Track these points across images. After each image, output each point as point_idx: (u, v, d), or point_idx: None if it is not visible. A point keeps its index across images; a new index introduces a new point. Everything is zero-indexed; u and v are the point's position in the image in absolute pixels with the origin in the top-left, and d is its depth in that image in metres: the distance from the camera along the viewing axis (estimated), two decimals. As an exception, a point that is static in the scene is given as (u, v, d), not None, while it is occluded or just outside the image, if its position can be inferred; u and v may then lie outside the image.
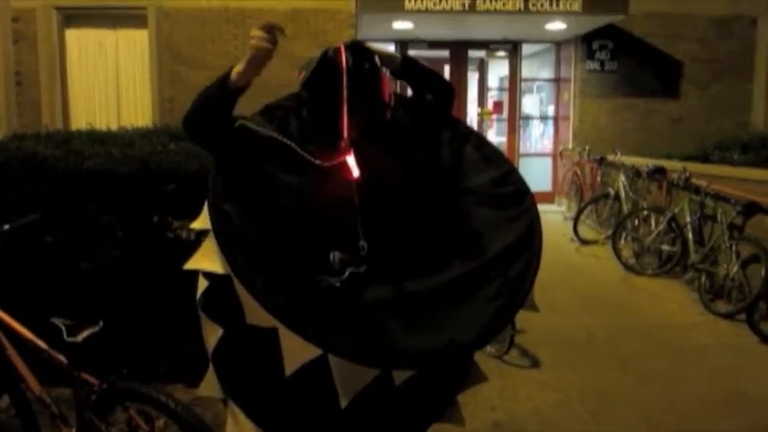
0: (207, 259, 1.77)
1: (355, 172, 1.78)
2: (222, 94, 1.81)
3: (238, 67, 1.80)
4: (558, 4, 8.74)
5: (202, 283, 1.89)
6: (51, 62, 9.56)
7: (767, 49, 10.25)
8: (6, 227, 2.46)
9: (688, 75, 10.31)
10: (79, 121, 8.90)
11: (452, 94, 2.16)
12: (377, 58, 1.88)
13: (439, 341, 1.69)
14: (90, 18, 9.68)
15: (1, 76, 9.48)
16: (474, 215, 1.97)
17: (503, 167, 2.07)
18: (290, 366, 1.66)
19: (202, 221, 1.81)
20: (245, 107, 1.94)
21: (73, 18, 9.70)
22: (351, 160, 1.78)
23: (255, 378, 1.87)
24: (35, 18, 9.44)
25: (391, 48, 10.48)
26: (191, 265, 1.82)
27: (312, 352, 1.60)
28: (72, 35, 9.77)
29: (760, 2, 10.19)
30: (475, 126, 11.52)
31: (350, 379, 1.64)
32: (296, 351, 1.62)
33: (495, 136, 11.84)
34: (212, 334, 1.90)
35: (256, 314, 1.64)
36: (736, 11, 10.19)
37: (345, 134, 1.77)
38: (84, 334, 2.16)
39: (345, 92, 1.76)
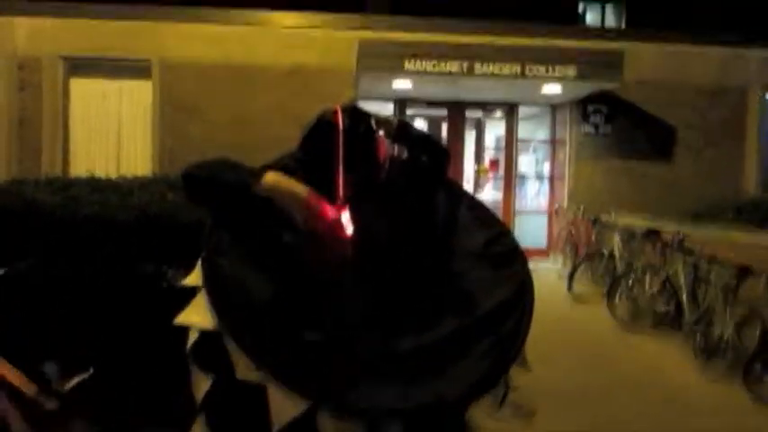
0: (197, 314, 1.79)
1: (349, 230, 1.80)
2: (240, 190, 1.80)
3: (271, 183, 1.78)
4: (553, 70, 8.97)
5: (193, 334, 1.89)
6: (55, 110, 9.72)
7: (758, 117, 10.51)
8: (1, 271, 2.47)
9: (681, 140, 10.51)
10: (79, 169, 9.00)
11: (447, 157, 2.22)
12: (372, 122, 1.94)
13: (428, 397, 1.69)
14: (95, 68, 9.90)
15: (4, 122, 9.62)
16: (466, 274, 2.00)
17: (495, 229, 2.12)
18: (278, 422, 1.65)
19: (195, 278, 1.82)
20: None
21: (78, 67, 9.91)
22: (345, 218, 1.81)
23: (243, 429, 1.85)
24: (41, 66, 9.65)
25: (390, 107, 10.69)
26: (181, 320, 1.83)
27: (300, 408, 1.60)
28: (76, 84, 9.96)
29: (751, 72, 10.49)
30: (472, 182, 11.65)
31: (338, 433, 1.63)
32: (284, 406, 1.62)
33: (492, 193, 11.96)
34: (202, 384, 1.88)
35: (246, 369, 1.65)
36: (727, 80, 10.48)
37: (341, 193, 1.80)
38: (75, 380, 2.15)
39: (342, 152, 1.80)
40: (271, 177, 1.78)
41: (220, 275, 1.73)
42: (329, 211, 1.78)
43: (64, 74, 9.83)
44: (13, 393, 2.23)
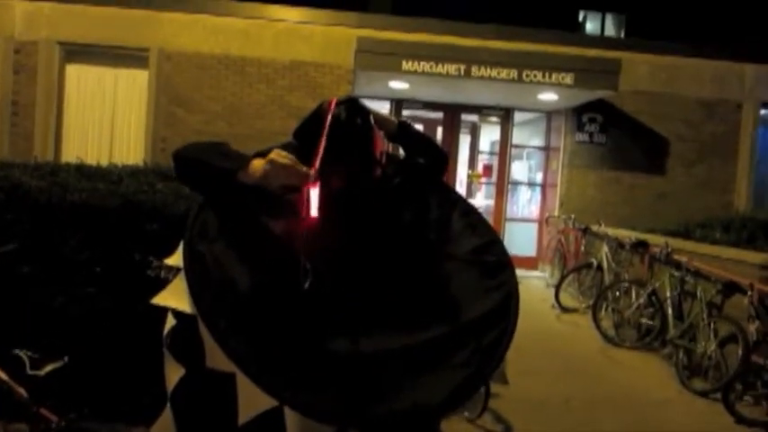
0: (175, 296, 1.76)
1: (314, 210, 1.74)
2: (224, 177, 1.77)
3: (253, 171, 1.75)
4: (550, 77, 8.98)
5: (170, 322, 1.87)
6: (49, 95, 9.65)
7: (751, 132, 10.55)
8: (-18, 254, 2.44)
9: (674, 153, 10.55)
10: (71, 155, 8.94)
11: (445, 160, 2.20)
12: (372, 118, 1.92)
13: (401, 404, 1.65)
14: (92, 55, 9.84)
15: (-3, 105, 9.55)
16: (453, 280, 1.97)
17: (487, 237, 2.09)
18: (245, 415, 1.62)
19: (177, 259, 1.80)
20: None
21: (75, 54, 9.85)
22: (314, 194, 1.75)
23: (209, 423, 1.83)
24: (37, 51, 9.58)
25: (386, 107, 10.68)
26: (158, 300, 1.81)
27: (268, 402, 1.57)
28: (72, 70, 9.90)
29: (745, 87, 10.54)
30: (464, 187, 11.65)
31: (305, 434, 1.61)
32: (252, 400, 1.59)
33: (484, 199, 11.96)
34: (174, 374, 1.86)
35: (216, 357, 1.62)
36: (721, 95, 10.52)
37: (315, 167, 1.75)
38: (48, 368, 2.12)
39: (325, 138, 1.78)
40: (255, 165, 1.75)
41: (201, 258, 1.70)
42: (310, 182, 1.74)
43: (60, 59, 9.76)
44: (-16, 379, 2.20)
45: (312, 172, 1.73)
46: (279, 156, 1.73)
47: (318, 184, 1.74)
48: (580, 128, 10.51)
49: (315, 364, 1.66)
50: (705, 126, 10.52)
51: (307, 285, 1.71)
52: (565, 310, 8.04)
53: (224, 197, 1.82)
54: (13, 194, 3.52)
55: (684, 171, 10.55)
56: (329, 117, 1.81)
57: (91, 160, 5.79)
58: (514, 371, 4.87)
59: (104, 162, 5.95)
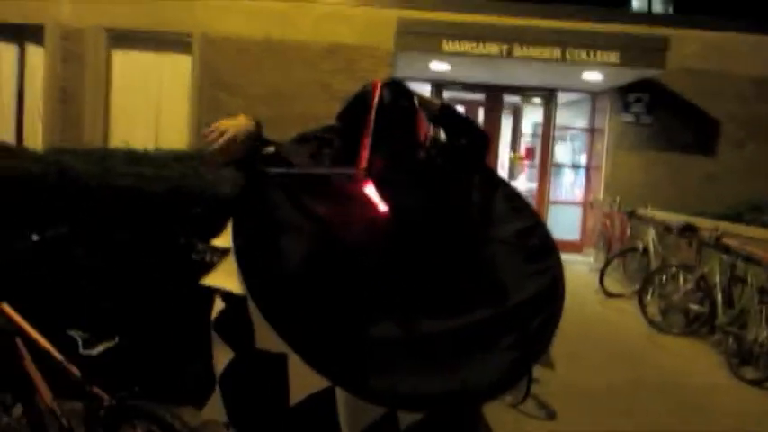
0: (225, 277, 1.78)
1: (381, 206, 1.77)
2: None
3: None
4: (595, 55, 8.77)
5: (218, 305, 1.89)
6: (97, 81, 9.86)
7: (806, 111, 10.13)
8: (35, 237, 2.52)
9: (724, 133, 10.21)
10: (118, 141, 9.13)
11: (487, 142, 2.18)
12: (416, 99, 1.91)
13: (450, 387, 1.66)
14: (137, 41, 10.00)
15: (48, 93, 9.80)
16: (498, 264, 1.96)
17: (531, 220, 2.07)
18: (296, 395, 1.64)
19: (225, 239, 1.83)
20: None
21: (121, 40, 10.02)
22: (371, 192, 1.78)
23: (259, 405, 1.85)
24: (84, 38, 9.78)
25: (427, 89, 10.59)
26: (208, 281, 1.84)
27: (320, 382, 1.58)
28: (118, 56, 10.09)
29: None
30: (506, 170, 11.52)
31: (355, 415, 1.62)
32: (303, 380, 1.60)
33: (526, 182, 11.81)
34: (223, 356, 1.89)
35: (267, 338, 1.63)
36: (775, 72, 10.12)
37: (363, 164, 1.76)
38: (100, 348, 2.18)
39: (372, 123, 1.78)
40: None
41: (250, 240, 1.72)
42: (359, 181, 1.75)
43: (106, 46, 9.95)
44: (40, 358, 2.28)
45: (361, 168, 1.76)
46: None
47: (370, 181, 1.76)
48: (626, 108, 10.25)
49: (366, 345, 1.67)
50: (757, 105, 10.14)
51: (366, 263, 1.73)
52: (609, 295, 7.90)
53: (267, 178, 1.84)
54: (63, 180, 3.62)
55: (735, 152, 10.21)
56: (374, 102, 1.80)
57: (137, 145, 5.90)
58: (557, 357, 4.81)
59: (151, 146, 6.07)
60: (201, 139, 1.88)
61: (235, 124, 1.85)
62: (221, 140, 1.81)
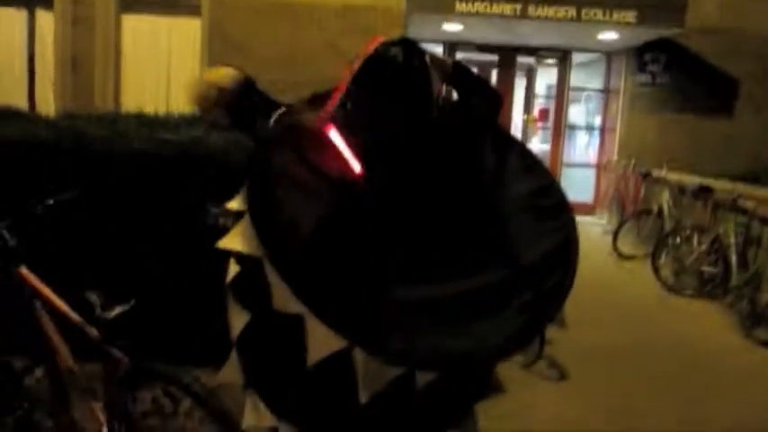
0: (240, 240, 1.79)
1: (356, 167, 1.76)
2: None
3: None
4: (611, 15, 8.58)
5: (233, 268, 1.91)
6: (107, 46, 9.80)
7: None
8: (50, 201, 2.53)
9: (743, 94, 10.01)
10: (130, 105, 9.11)
11: (500, 102, 2.15)
12: (428, 58, 1.88)
13: (465, 346, 1.67)
14: (146, 4, 9.90)
15: (59, 58, 9.76)
16: (511, 222, 1.95)
17: (544, 179, 2.06)
18: (314, 356, 1.65)
19: (239, 203, 1.83)
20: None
21: (130, 3, 9.92)
22: (335, 136, 1.76)
23: (277, 366, 1.88)
24: (94, 2, 9.69)
25: (439, 50, 10.45)
26: (224, 244, 1.84)
27: (337, 343, 1.59)
28: (128, 20, 9.99)
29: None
30: (520, 132, 11.41)
31: (372, 375, 1.64)
32: (321, 341, 1.61)
33: (540, 144, 11.70)
34: (238, 320, 1.91)
35: (284, 299, 1.64)
36: (797, 30, 9.86)
37: (330, 109, 1.77)
38: (117, 310, 2.21)
39: (351, 76, 1.77)
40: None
41: (266, 200, 1.72)
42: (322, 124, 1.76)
43: (116, 9, 9.86)
44: (58, 320, 2.31)
45: (326, 111, 1.75)
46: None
47: (332, 128, 1.76)
48: (642, 68, 10.07)
49: (380, 306, 1.68)
50: (777, 64, 9.92)
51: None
52: (623, 257, 7.88)
53: (279, 141, 1.83)
54: (77, 144, 3.63)
55: (753, 113, 10.02)
56: (365, 53, 1.78)
57: (149, 109, 5.89)
58: (571, 318, 4.82)
59: (162, 111, 6.06)
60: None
61: (215, 73, 1.86)
62: (199, 88, 1.83)
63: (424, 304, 1.73)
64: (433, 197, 1.89)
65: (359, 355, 1.61)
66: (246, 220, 1.75)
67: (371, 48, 1.80)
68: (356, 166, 1.77)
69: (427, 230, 1.85)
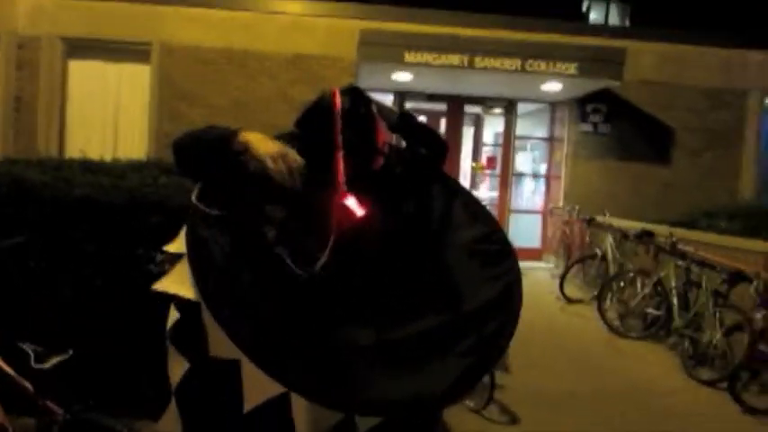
0: (177, 283, 1.75)
1: (359, 211, 1.76)
2: (221, 144, 1.78)
3: (247, 137, 1.75)
4: (554, 66, 8.94)
5: (173, 315, 1.86)
6: (52, 90, 9.66)
7: (756, 120, 10.51)
8: (-14, 248, 2.45)
9: (679, 142, 10.50)
10: (74, 151, 8.93)
11: (446, 150, 2.19)
12: (374, 107, 1.91)
13: (407, 391, 1.66)
14: (94, 50, 9.84)
15: (1, 101, 9.56)
16: (455, 269, 1.97)
17: (488, 226, 2.09)
18: (251, 402, 1.62)
19: (178, 245, 1.79)
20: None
21: (77, 49, 9.85)
22: (352, 202, 1.76)
23: (214, 414, 1.83)
24: (40, 46, 9.58)
25: (389, 99, 10.65)
26: (160, 286, 1.80)
27: (274, 389, 1.57)
28: (75, 66, 9.90)
29: (750, 75, 10.47)
30: (468, 179, 11.63)
31: (311, 421, 1.61)
32: (258, 386, 1.58)
33: (488, 191, 11.93)
34: (178, 368, 1.86)
35: (220, 345, 1.61)
36: (727, 83, 10.45)
37: (341, 179, 1.75)
38: (53, 361, 2.13)
39: (340, 137, 1.77)
40: (248, 133, 1.76)
41: (204, 243, 1.69)
42: (339, 195, 1.74)
43: (63, 54, 9.76)
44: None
45: (341, 182, 1.74)
46: (292, 156, 1.72)
47: (352, 194, 1.75)
48: (584, 118, 10.46)
49: (319, 351, 1.66)
50: (710, 115, 10.47)
51: (305, 275, 1.72)
52: (570, 300, 8.02)
53: (224, 181, 1.81)
54: (17, 189, 3.53)
55: (690, 160, 10.50)
56: (337, 111, 1.79)
57: (94, 155, 5.79)
58: (519, 362, 4.87)
59: (108, 157, 5.96)
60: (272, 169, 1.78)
61: (271, 143, 1.78)
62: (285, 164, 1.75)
63: (367, 349, 1.71)
64: (378, 243, 1.90)
65: (297, 401, 1.59)
66: (184, 262, 1.73)
67: (336, 100, 1.82)
68: (359, 211, 1.77)
69: (370, 276, 1.85)
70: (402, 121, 2.09)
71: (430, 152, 2.13)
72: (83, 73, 9.92)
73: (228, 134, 1.76)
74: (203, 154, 1.81)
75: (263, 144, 1.74)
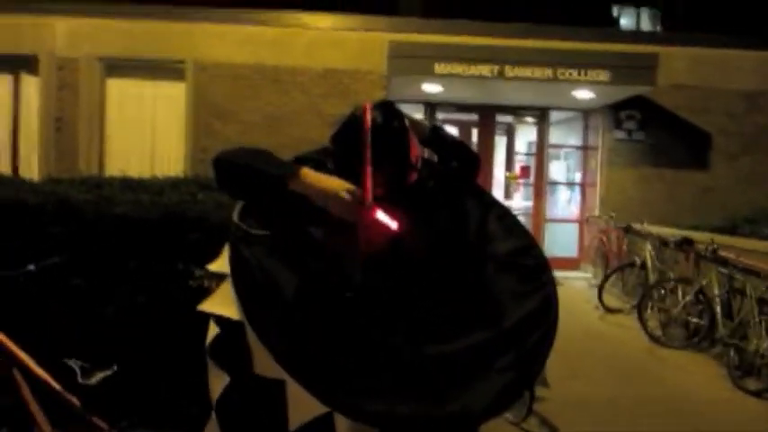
0: (221, 303, 1.77)
1: (393, 225, 1.75)
2: (274, 184, 1.77)
3: (309, 184, 1.75)
4: (585, 74, 8.86)
5: (213, 330, 1.88)
6: (92, 110, 9.91)
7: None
8: (32, 267, 2.51)
9: (716, 147, 10.29)
10: (114, 169, 9.13)
11: (478, 163, 2.19)
12: (406, 121, 1.91)
13: (449, 409, 1.65)
14: (131, 69, 10.07)
15: (44, 122, 9.84)
16: (493, 284, 1.96)
17: (523, 240, 2.08)
18: (295, 421, 1.63)
19: (220, 264, 1.82)
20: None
21: (115, 68, 10.09)
22: (381, 216, 1.75)
23: (257, 430, 1.84)
24: (79, 67, 9.84)
25: (420, 110, 10.66)
26: (205, 307, 1.82)
27: (319, 409, 1.57)
28: (113, 85, 10.14)
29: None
30: (502, 189, 11.55)
31: (356, 438, 1.61)
32: (302, 406, 1.59)
33: (522, 200, 11.84)
34: (218, 382, 1.88)
35: (265, 364, 1.62)
36: (764, 85, 10.22)
37: (369, 195, 1.75)
38: (98, 377, 2.17)
39: (369, 153, 1.77)
40: (308, 174, 1.75)
41: (247, 263, 1.70)
42: (368, 210, 1.73)
43: (101, 74, 10.01)
44: (38, 388, 2.26)
45: (368, 198, 1.73)
46: (345, 191, 1.72)
47: (378, 209, 1.73)
48: (618, 125, 10.33)
49: (364, 370, 1.66)
50: (748, 118, 10.25)
51: (350, 295, 1.72)
52: (609, 310, 7.89)
53: (268, 203, 1.83)
54: (62, 208, 3.61)
55: (728, 165, 10.27)
56: (368, 127, 1.79)
57: (133, 173, 5.92)
58: (559, 374, 4.80)
59: (146, 174, 6.09)
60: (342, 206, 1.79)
61: (332, 180, 1.79)
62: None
63: (407, 367, 1.71)
64: (416, 260, 1.90)
65: (341, 420, 1.59)
66: (228, 282, 1.75)
67: (367, 115, 1.83)
68: (393, 225, 1.76)
69: (411, 294, 1.85)
70: (434, 135, 2.09)
71: (462, 166, 2.13)
72: (120, 92, 10.16)
73: (286, 176, 1.75)
74: (255, 185, 1.79)
75: (324, 182, 1.74)
